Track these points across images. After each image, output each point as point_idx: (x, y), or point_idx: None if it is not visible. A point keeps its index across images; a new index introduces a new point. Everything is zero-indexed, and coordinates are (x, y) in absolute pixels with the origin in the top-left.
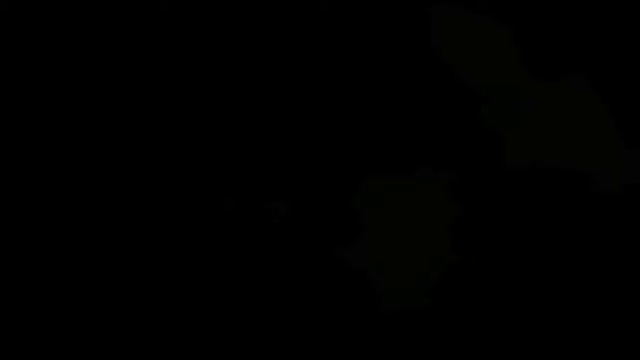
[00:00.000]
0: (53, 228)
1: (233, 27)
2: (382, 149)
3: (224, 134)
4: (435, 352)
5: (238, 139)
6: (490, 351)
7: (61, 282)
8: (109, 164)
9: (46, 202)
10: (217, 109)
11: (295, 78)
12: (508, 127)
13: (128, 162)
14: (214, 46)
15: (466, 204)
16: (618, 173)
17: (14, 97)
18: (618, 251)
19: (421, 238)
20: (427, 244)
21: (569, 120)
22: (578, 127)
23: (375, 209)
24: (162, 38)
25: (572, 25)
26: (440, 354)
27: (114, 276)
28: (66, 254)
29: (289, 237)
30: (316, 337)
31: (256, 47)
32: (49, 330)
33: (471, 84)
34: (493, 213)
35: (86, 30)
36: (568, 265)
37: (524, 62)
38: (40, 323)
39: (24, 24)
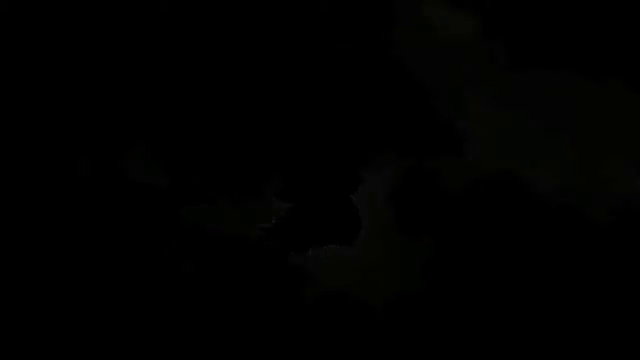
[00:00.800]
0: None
1: (233, 27)
2: (380, 149)
3: (223, 134)
4: (432, 351)
5: (238, 139)
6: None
7: (56, 279)
8: (108, 162)
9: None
10: (217, 108)
11: (295, 78)
12: (469, 122)
13: (128, 161)
14: (214, 46)
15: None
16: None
17: (14, 97)
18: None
19: (419, 237)
20: (423, 243)
21: (528, 116)
22: (536, 124)
23: (374, 209)
24: (162, 38)
25: (538, 20)
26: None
27: (110, 274)
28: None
29: (288, 238)
30: (315, 336)
31: (256, 46)
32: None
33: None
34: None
35: (86, 30)
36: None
37: (490, 56)
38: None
39: (24, 24)
